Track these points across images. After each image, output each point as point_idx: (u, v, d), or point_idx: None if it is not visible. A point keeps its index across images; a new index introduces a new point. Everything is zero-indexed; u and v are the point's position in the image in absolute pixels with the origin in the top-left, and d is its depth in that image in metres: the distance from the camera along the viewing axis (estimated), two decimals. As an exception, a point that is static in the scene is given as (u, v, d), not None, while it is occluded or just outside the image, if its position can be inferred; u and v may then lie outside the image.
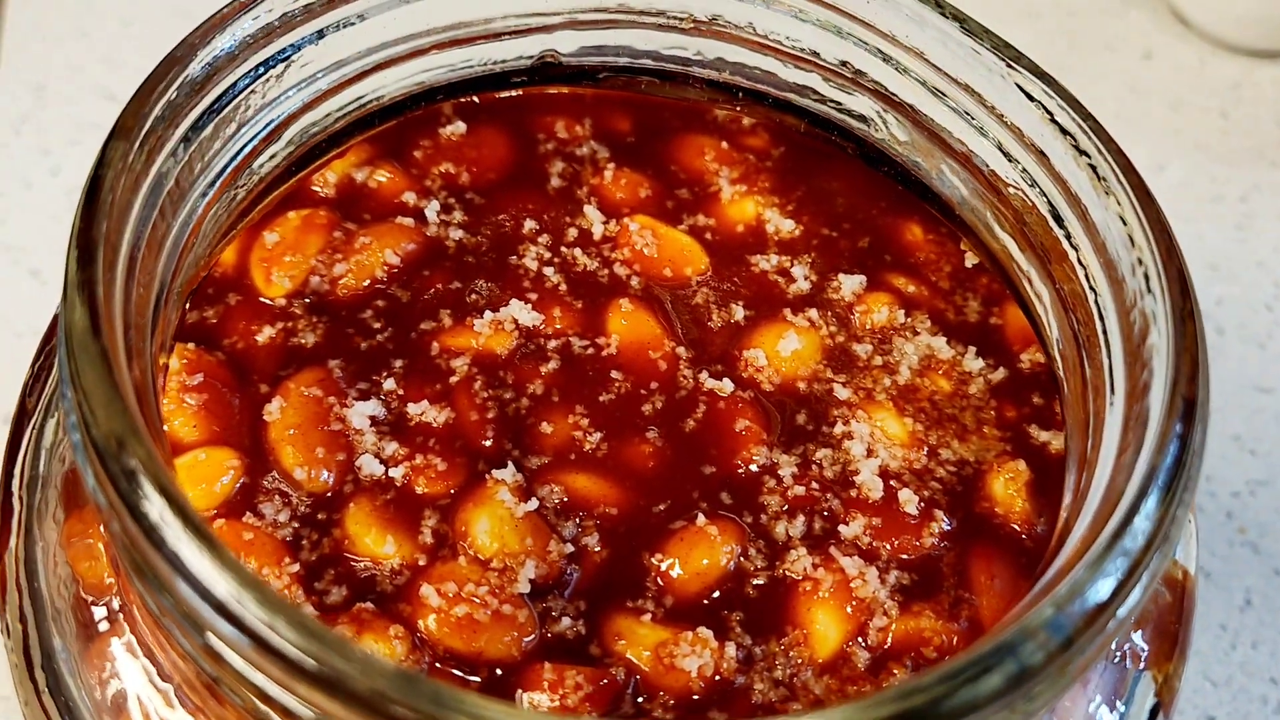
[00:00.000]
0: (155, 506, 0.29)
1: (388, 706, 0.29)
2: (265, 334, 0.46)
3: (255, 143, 0.43)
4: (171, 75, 0.37)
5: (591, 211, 0.50)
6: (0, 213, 0.75)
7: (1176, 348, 0.35)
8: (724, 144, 0.53)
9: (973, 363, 0.47)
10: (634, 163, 0.53)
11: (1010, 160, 0.44)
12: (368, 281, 0.47)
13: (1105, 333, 0.39)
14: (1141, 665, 0.39)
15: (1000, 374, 0.47)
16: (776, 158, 0.53)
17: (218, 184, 0.41)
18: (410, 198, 0.50)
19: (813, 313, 0.48)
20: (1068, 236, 0.42)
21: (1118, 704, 0.39)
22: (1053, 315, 0.44)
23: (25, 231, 0.74)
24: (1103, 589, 0.31)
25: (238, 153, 0.42)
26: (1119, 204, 0.39)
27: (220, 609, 0.28)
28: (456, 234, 0.49)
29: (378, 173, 0.50)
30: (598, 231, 0.50)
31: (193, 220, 0.40)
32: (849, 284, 0.49)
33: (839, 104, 0.50)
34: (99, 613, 0.38)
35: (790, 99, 0.51)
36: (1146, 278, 0.37)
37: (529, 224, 0.50)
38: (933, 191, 0.50)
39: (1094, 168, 0.40)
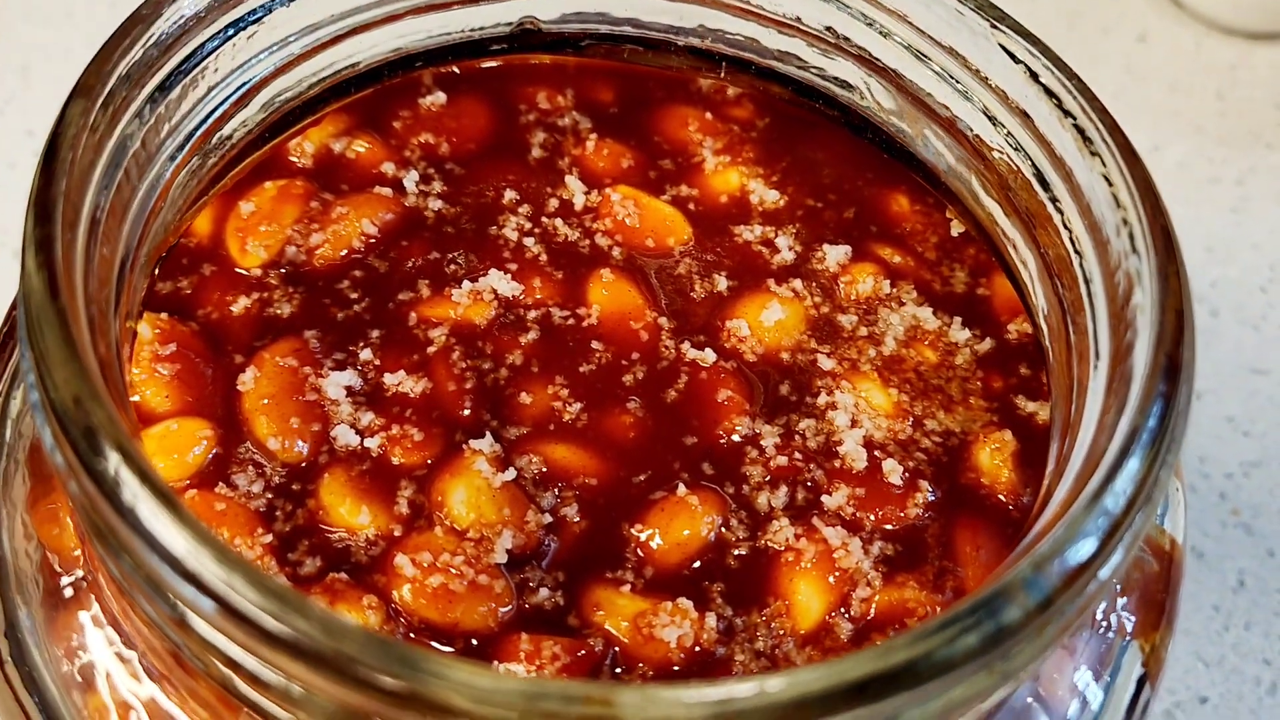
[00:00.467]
0: (111, 464, 0.29)
1: (355, 669, 0.28)
2: (240, 304, 0.45)
3: (225, 107, 0.42)
4: (135, 34, 0.37)
5: (573, 182, 0.50)
6: (-18, 194, 0.75)
7: (1161, 306, 0.34)
8: (708, 114, 0.53)
9: (959, 333, 0.47)
10: (616, 133, 0.52)
11: (995, 124, 0.43)
12: (345, 251, 0.47)
13: (1090, 296, 0.38)
14: (1128, 635, 0.38)
15: (987, 344, 0.47)
16: (761, 128, 0.53)
17: (186, 148, 0.40)
18: (389, 168, 0.49)
19: (797, 283, 0.48)
20: (1053, 200, 0.41)
21: (1104, 674, 0.38)
22: (1038, 281, 0.43)
23: (8, 213, 0.74)
24: (1083, 549, 0.31)
25: (207, 116, 0.41)
26: (1104, 164, 0.38)
27: (178, 567, 0.28)
28: (435, 204, 0.48)
29: (356, 143, 0.50)
30: (579, 202, 0.49)
31: (160, 185, 0.39)
32: (834, 254, 0.48)
33: (823, 71, 0.49)
34: (65, 582, 0.37)
35: (774, 66, 0.50)
36: (1131, 237, 0.36)
37: (509, 194, 0.49)
38: (918, 159, 0.49)
39: (1079, 128, 0.39)
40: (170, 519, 0.28)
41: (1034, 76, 0.40)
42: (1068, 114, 0.39)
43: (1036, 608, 0.30)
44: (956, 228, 0.49)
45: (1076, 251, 0.39)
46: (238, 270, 0.46)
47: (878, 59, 0.47)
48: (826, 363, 0.45)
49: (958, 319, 0.47)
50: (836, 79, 0.49)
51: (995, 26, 0.42)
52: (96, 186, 0.34)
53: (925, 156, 0.48)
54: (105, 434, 0.29)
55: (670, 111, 0.53)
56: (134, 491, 0.28)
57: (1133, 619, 0.39)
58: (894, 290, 0.48)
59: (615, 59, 0.52)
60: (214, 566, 0.27)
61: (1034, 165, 0.42)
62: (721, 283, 0.47)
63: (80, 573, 0.37)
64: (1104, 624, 0.39)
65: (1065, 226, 0.40)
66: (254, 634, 0.28)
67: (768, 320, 0.46)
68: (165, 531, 0.28)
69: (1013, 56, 0.41)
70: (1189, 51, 0.90)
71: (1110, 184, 0.37)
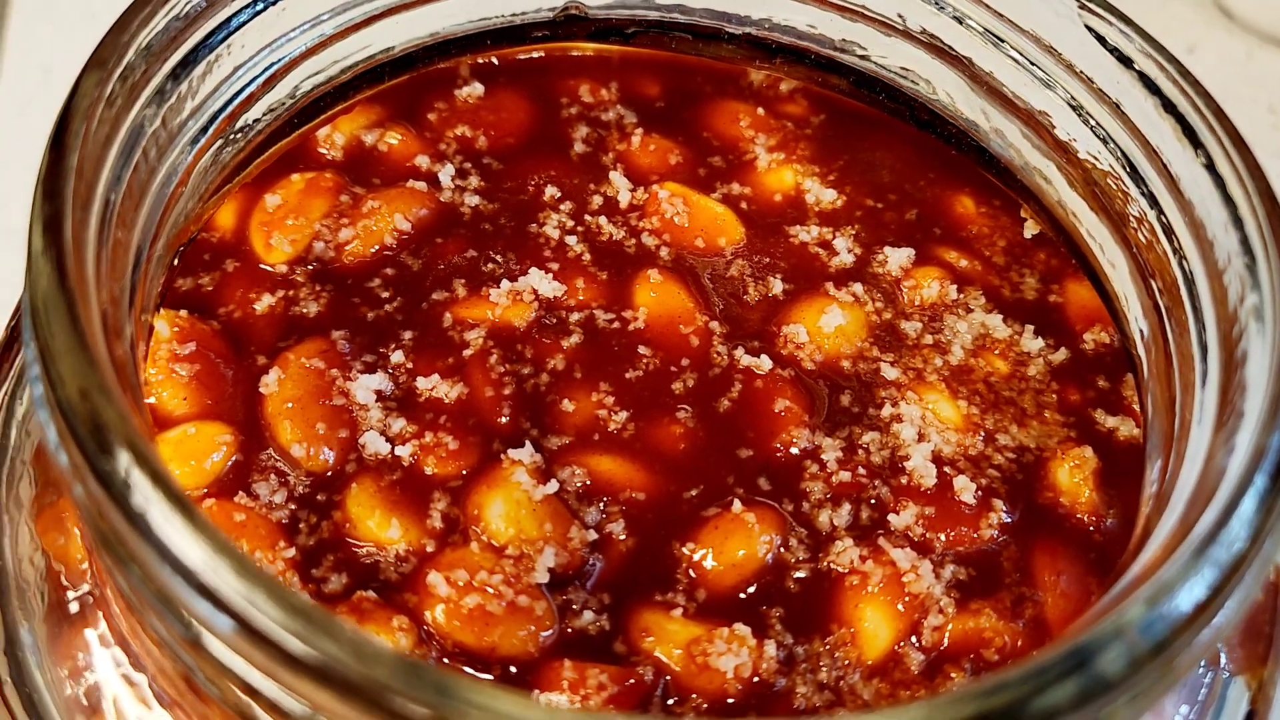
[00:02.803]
0: (121, 464, 0.26)
1: (386, 697, 0.25)
2: (264, 302, 0.42)
3: (252, 89, 0.39)
4: (156, 3, 0.34)
5: (618, 178, 0.47)
6: (3, 196, 0.72)
7: (1286, 307, 0.31)
8: (760, 110, 0.50)
9: (1031, 343, 0.44)
10: (664, 128, 0.49)
11: (1080, 114, 0.40)
12: (376, 248, 0.44)
13: (1194, 299, 0.35)
14: (1232, 670, 0.35)
15: (1061, 355, 0.43)
16: (816, 125, 0.50)
17: (209, 131, 0.38)
18: (423, 162, 0.46)
19: (857, 287, 0.45)
20: (1148, 195, 0.38)
21: (1207, 713, 0.34)
22: (1130, 285, 0.40)
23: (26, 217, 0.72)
24: (1205, 582, 0.27)
25: (232, 99, 0.38)
26: (1209, 156, 0.35)
27: (193, 581, 0.25)
28: (472, 200, 0.46)
29: (389, 135, 0.47)
30: (624, 199, 0.46)
31: (180, 169, 0.36)
32: (896, 257, 0.45)
33: (885, 60, 0.46)
34: (72, 597, 0.34)
35: (834, 57, 0.47)
36: (1244, 235, 0.33)
37: (550, 191, 0.46)
38: (989, 156, 0.46)
39: (1180, 116, 0.36)
40: (185, 526, 0.25)
41: (1127, 62, 0.37)
42: (1167, 101, 0.36)
43: (1150, 650, 0.26)
44: (1031, 229, 0.46)
45: (1176, 251, 0.36)
46: (262, 266, 0.43)
47: (950, 46, 0.44)
48: (890, 372, 0.42)
49: (1029, 327, 0.44)
50: (901, 69, 0.46)
51: (1083, 6, 0.38)
52: (113, 165, 0.32)
53: (998, 151, 0.45)
54: (115, 431, 0.26)
55: (720, 106, 0.50)
56: (146, 495, 0.25)
57: (1237, 653, 0.35)
58: (961, 296, 0.45)
59: (662, 48, 0.49)
60: (233, 580, 0.24)
61: (1126, 159, 0.39)
62: (777, 286, 0.44)
63: (87, 587, 0.34)
64: (1205, 658, 0.35)
65: (1162, 224, 0.37)
66: (276, 657, 0.25)
67: (827, 326, 0.43)
68: (179, 540, 0.25)
69: (1102, 40, 0.38)
70: (1239, 63, 0.87)
71: (1218, 177, 0.34)
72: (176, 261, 0.40)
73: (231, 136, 0.40)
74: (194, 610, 0.25)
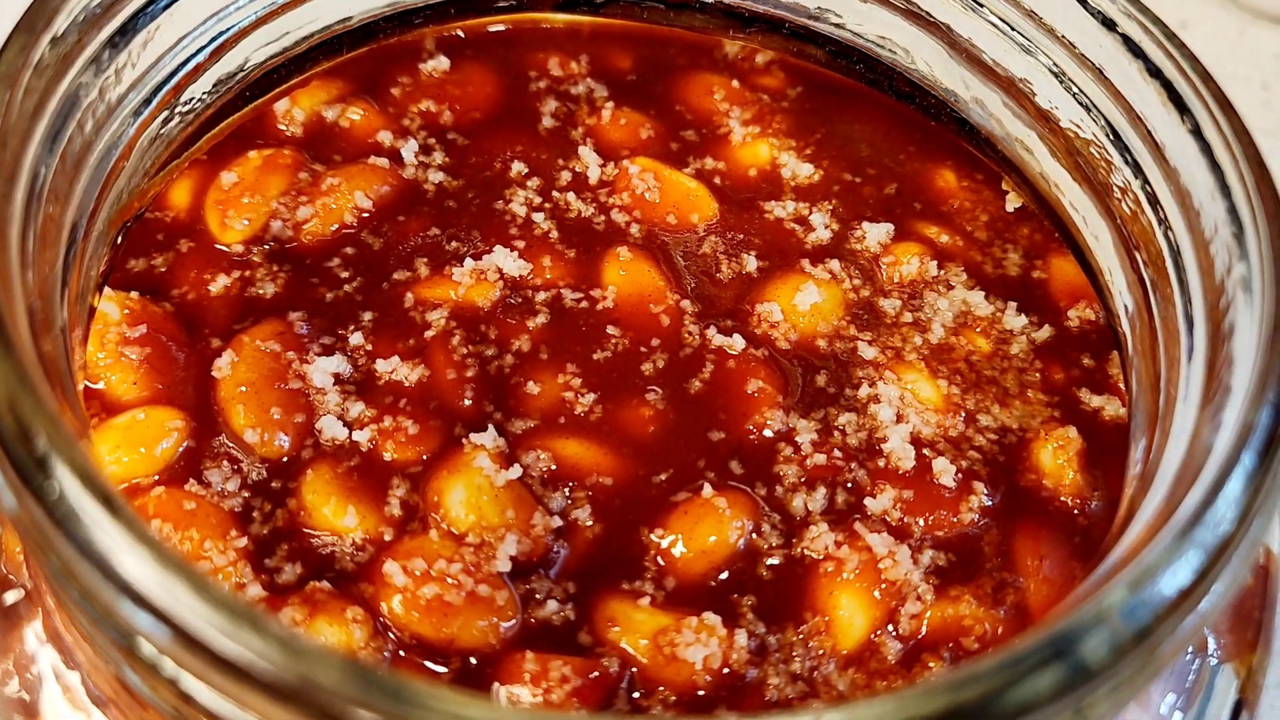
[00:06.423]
0: (39, 449, 0.24)
1: (324, 701, 0.24)
2: (219, 283, 0.41)
3: (198, 59, 0.38)
4: (92, -35, 0.32)
5: (587, 154, 0.45)
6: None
7: (1277, 277, 0.29)
8: (734, 82, 0.48)
9: (1014, 320, 0.42)
10: (635, 102, 0.47)
11: (1062, 81, 0.39)
12: (335, 227, 0.42)
13: (1180, 271, 0.34)
14: (1221, 657, 0.33)
15: (1045, 332, 0.42)
16: (793, 98, 0.48)
17: (152, 104, 0.36)
18: (386, 137, 0.45)
19: (834, 264, 0.43)
20: (1131, 164, 0.36)
21: (1194, 701, 0.33)
22: (1114, 258, 0.39)
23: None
24: (1190, 564, 0.26)
25: (176, 69, 0.37)
26: (1196, 120, 0.33)
27: (112, 575, 0.23)
28: (436, 176, 0.44)
29: (350, 110, 0.45)
30: (594, 175, 0.45)
31: (121, 143, 0.34)
32: (874, 233, 0.44)
33: (863, 27, 0.44)
34: (9, 592, 0.33)
35: (809, 25, 0.46)
36: (1231, 204, 0.32)
37: (517, 166, 0.45)
38: (970, 127, 0.44)
39: (1166, 80, 0.34)
40: (105, 517, 0.23)
41: (1110, 25, 0.36)
42: (1152, 65, 0.35)
43: (1133, 637, 0.25)
44: (1013, 201, 0.44)
45: (1162, 221, 0.35)
46: (217, 246, 0.42)
47: (927, 12, 0.42)
48: (868, 351, 0.41)
49: (1012, 304, 0.43)
50: (879, 38, 0.45)
51: (1065, -32, 0.37)
52: (43, 136, 0.30)
53: (979, 122, 0.43)
54: (33, 418, 0.24)
55: (693, 79, 0.48)
56: (61, 481, 0.24)
57: (1225, 640, 0.34)
58: (941, 272, 0.43)
59: (634, 19, 0.48)
60: (153, 571, 0.23)
61: (1109, 126, 0.37)
62: (751, 263, 0.43)
63: (24, 580, 0.33)
64: (1192, 645, 0.34)
65: (1146, 194, 0.36)
66: (202, 656, 0.23)
67: (802, 304, 0.42)
68: (99, 532, 0.23)
69: (1084, 3, 0.37)
70: (1232, 39, 0.86)
71: (1205, 143, 0.33)
72: (121, 240, 0.39)
73: (178, 109, 0.38)
74: (113, 606, 0.23)
